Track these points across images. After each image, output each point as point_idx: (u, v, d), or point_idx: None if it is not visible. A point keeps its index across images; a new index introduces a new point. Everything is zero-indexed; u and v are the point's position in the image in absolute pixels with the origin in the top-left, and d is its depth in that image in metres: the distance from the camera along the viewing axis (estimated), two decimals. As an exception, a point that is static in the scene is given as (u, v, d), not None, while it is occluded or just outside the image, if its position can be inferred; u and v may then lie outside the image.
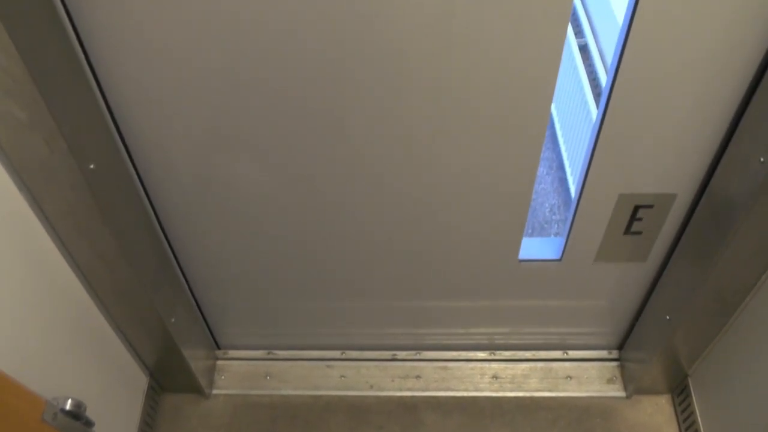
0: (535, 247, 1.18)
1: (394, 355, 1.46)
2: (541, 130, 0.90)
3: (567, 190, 2.61)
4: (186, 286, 1.27)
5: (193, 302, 1.32)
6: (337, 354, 1.46)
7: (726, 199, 0.93)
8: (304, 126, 0.92)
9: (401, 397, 1.42)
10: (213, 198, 1.06)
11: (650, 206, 1.03)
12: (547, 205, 2.61)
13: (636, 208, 1.03)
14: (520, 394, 1.41)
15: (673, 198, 1.02)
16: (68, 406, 0.88)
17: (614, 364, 1.45)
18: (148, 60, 0.82)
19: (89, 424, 0.93)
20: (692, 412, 1.30)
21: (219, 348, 1.49)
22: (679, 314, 1.13)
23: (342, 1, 0.75)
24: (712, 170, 0.97)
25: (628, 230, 1.08)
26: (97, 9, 0.76)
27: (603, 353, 1.45)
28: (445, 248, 1.15)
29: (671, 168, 0.97)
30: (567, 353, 1.45)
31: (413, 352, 1.46)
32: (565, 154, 2.72)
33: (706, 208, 1.00)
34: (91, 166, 0.84)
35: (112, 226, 0.92)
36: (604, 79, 0.97)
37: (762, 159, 0.83)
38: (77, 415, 0.90)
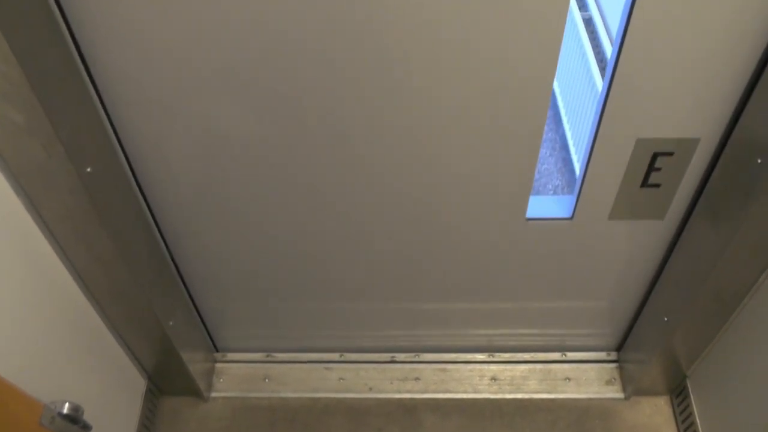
0: (544, 206, 1.09)
1: (393, 357, 1.46)
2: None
3: (571, 171, 2.58)
4: (184, 288, 1.26)
5: (192, 305, 1.32)
6: (335, 356, 1.46)
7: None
8: (302, 127, 0.92)
9: (400, 399, 1.42)
10: (211, 200, 1.06)
11: (670, 154, 0.93)
12: (550, 186, 2.57)
13: (655, 156, 0.94)
14: (519, 395, 1.41)
15: (695, 143, 0.92)
16: (66, 409, 0.88)
17: (613, 365, 1.45)
18: (145, 62, 0.83)
19: (87, 427, 0.93)
20: (691, 413, 1.30)
21: (217, 351, 1.49)
22: (678, 315, 1.13)
23: (341, 4, 0.75)
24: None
25: (645, 182, 0.98)
26: (93, 11, 0.76)
27: (602, 355, 1.45)
28: (449, 225, 1.10)
29: (694, 110, 0.87)
30: (566, 355, 1.45)
31: (412, 355, 1.46)
32: (569, 133, 2.67)
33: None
34: (89, 170, 0.84)
35: (109, 229, 0.92)
36: (609, 52, 0.93)
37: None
38: (75, 418, 0.90)
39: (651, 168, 0.96)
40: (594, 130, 0.92)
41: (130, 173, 0.99)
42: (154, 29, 0.78)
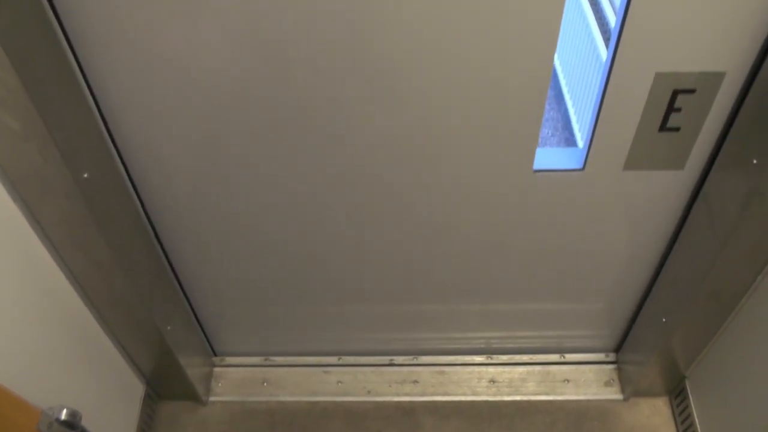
0: (553, 157, 1.00)
1: (392, 360, 1.46)
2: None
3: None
4: (182, 293, 1.26)
5: (190, 310, 1.32)
6: (334, 360, 1.46)
7: None
8: (299, 131, 0.92)
9: (399, 402, 1.42)
10: (209, 205, 1.06)
11: (692, 91, 0.84)
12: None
13: (675, 95, 0.85)
14: (518, 397, 1.41)
15: (720, 78, 0.83)
16: (64, 415, 0.88)
17: (611, 366, 1.45)
18: (141, 68, 0.83)
19: (85, 433, 0.93)
20: (690, 414, 1.30)
21: (216, 355, 1.49)
22: (676, 316, 1.13)
23: (336, 13, 0.75)
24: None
25: (664, 125, 0.89)
26: (90, 18, 0.77)
27: (600, 356, 1.45)
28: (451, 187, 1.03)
29: (718, 41, 0.79)
30: (564, 356, 1.45)
31: (410, 357, 1.46)
32: (572, 111, 2.60)
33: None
34: (85, 175, 0.84)
35: (107, 235, 0.92)
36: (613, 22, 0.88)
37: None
38: (73, 424, 0.89)
39: (670, 108, 0.87)
40: (608, 66, 0.83)
41: (127, 178, 0.99)
42: (150, 36, 0.78)
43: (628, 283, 1.23)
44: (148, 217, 1.07)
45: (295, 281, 1.25)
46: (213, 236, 1.13)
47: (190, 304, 1.31)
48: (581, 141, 2.41)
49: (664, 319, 1.18)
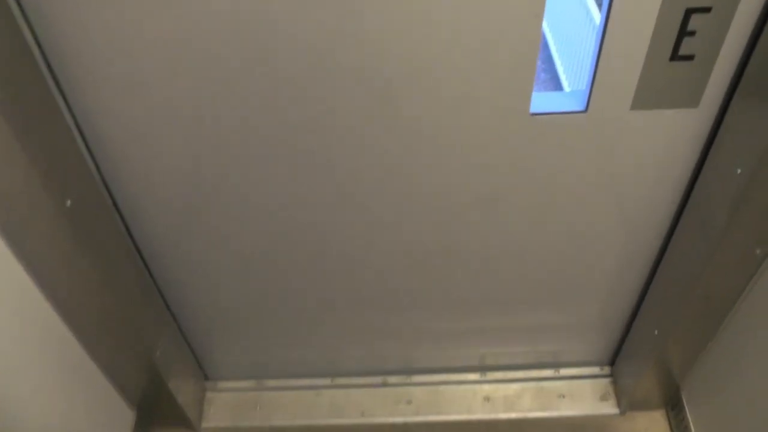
0: (551, 100, 0.90)
1: (385, 380, 1.45)
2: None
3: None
4: (171, 317, 1.26)
5: (179, 334, 1.31)
6: (327, 381, 1.45)
7: None
8: (287, 152, 0.92)
9: (393, 424, 1.40)
10: (197, 229, 1.06)
11: (707, 9, 0.75)
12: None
13: (688, 15, 0.76)
14: (513, 415, 1.40)
15: None
16: (49, 444, 0.87)
17: (607, 380, 1.44)
18: (124, 97, 0.83)
19: (71, 462, 0.92)
20: (687, 426, 1.29)
21: (207, 379, 1.47)
22: (668, 327, 1.13)
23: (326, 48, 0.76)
24: None
25: (675, 53, 0.80)
26: (70, 40, 0.77)
27: (595, 369, 1.44)
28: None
29: None
30: (558, 371, 1.44)
31: (404, 377, 1.45)
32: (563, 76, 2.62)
33: None
34: (68, 203, 0.84)
35: (92, 261, 0.92)
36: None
37: None
38: (58, 453, 0.88)
39: (683, 32, 0.78)
40: None
41: (111, 204, 0.99)
42: (131, 59, 0.79)
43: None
44: (135, 242, 1.07)
45: (286, 302, 1.24)
46: (202, 260, 1.13)
47: (179, 329, 1.30)
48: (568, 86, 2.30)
49: (655, 332, 1.17)
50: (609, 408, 1.40)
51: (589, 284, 1.21)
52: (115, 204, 1.00)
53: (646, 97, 0.86)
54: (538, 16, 0.76)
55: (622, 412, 1.39)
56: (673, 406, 1.35)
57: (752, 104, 0.82)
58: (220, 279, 1.18)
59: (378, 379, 1.44)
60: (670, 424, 1.37)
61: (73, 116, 0.86)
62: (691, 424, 1.28)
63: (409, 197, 1.02)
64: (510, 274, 1.18)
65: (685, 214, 1.03)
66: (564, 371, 1.44)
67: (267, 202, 1.01)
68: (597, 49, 0.81)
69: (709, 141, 0.92)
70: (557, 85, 2.61)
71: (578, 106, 0.88)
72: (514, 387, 1.43)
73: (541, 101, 0.88)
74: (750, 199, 0.86)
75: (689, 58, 0.81)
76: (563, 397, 1.42)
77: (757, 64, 0.79)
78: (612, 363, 1.44)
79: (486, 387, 1.44)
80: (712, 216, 0.94)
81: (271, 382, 1.46)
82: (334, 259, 1.13)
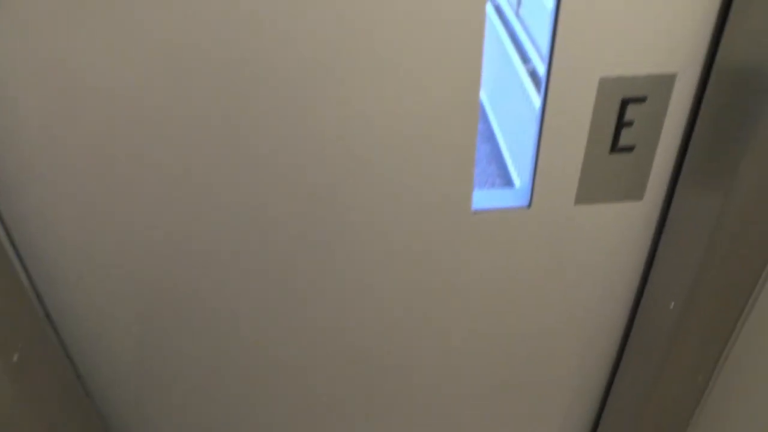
0: (493, 197, 0.88)
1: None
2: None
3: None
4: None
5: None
6: None
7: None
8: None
9: None
10: (153, 383, 1.01)
11: (642, 99, 0.76)
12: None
13: (624, 105, 0.77)
14: None
15: (672, 80, 0.75)
16: None
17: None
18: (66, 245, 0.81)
19: None
20: None
21: None
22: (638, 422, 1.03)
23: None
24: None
25: (615, 144, 0.80)
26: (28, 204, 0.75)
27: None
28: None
29: (665, 42, 0.73)
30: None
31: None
32: (506, 152, 2.65)
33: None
34: (15, 358, 0.79)
35: (41, 418, 0.85)
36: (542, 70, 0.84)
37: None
38: None
39: (621, 122, 0.78)
40: (546, 71, 0.75)
41: (64, 355, 0.93)
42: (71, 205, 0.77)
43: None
44: (89, 394, 1.00)
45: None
46: (160, 413, 1.06)
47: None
48: (518, 178, 2.32)
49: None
50: None
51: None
52: (69, 357, 0.94)
53: (590, 191, 0.85)
54: (473, 119, 0.77)
55: None
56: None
57: (696, 192, 0.81)
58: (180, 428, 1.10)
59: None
60: None
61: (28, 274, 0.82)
62: None
63: (352, 301, 0.96)
64: (458, 385, 1.08)
65: (632, 337, 1.00)
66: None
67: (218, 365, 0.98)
68: (536, 142, 0.80)
69: (657, 234, 0.91)
70: (507, 179, 2.67)
71: (521, 201, 0.86)
72: None
73: (484, 198, 0.86)
74: (685, 330, 0.85)
75: (629, 149, 0.81)
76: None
77: (695, 152, 0.79)
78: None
79: None
80: (654, 344, 0.93)
81: None
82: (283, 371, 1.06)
